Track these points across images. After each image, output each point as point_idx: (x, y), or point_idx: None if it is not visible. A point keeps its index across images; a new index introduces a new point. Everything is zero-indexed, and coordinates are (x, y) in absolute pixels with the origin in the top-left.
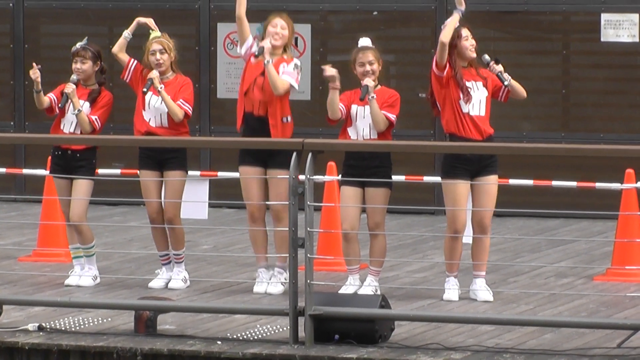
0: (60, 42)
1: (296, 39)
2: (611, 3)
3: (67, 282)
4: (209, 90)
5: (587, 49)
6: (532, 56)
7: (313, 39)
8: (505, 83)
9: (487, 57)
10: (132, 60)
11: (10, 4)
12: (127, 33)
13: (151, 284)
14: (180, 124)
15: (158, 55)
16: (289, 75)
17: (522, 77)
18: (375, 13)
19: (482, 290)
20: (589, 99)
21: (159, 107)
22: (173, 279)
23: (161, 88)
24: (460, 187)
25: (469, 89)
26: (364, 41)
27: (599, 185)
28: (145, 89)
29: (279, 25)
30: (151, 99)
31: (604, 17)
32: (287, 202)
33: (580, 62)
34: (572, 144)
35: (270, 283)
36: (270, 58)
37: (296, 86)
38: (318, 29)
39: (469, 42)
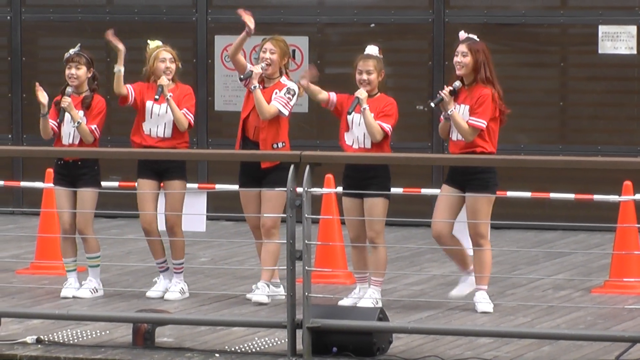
0: (58, 54)
1: (293, 51)
2: (609, 15)
3: (62, 294)
4: (207, 103)
5: (584, 61)
6: (530, 68)
7: (310, 51)
8: (445, 113)
9: (457, 83)
10: (129, 87)
11: (8, 17)
12: (117, 68)
13: (149, 293)
14: (181, 133)
15: (168, 63)
16: (278, 101)
17: (519, 89)
18: (372, 25)
19: (480, 302)
20: (587, 111)
21: (163, 115)
22: (170, 290)
23: (170, 96)
24: (441, 194)
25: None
26: (370, 49)
27: (596, 197)
28: (157, 96)
29: (268, 51)
30: (153, 107)
31: (602, 29)
32: (280, 216)
33: (578, 74)
34: (570, 157)
35: (255, 293)
36: (259, 84)
37: (284, 112)
38: (315, 42)
39: (458, 59)
